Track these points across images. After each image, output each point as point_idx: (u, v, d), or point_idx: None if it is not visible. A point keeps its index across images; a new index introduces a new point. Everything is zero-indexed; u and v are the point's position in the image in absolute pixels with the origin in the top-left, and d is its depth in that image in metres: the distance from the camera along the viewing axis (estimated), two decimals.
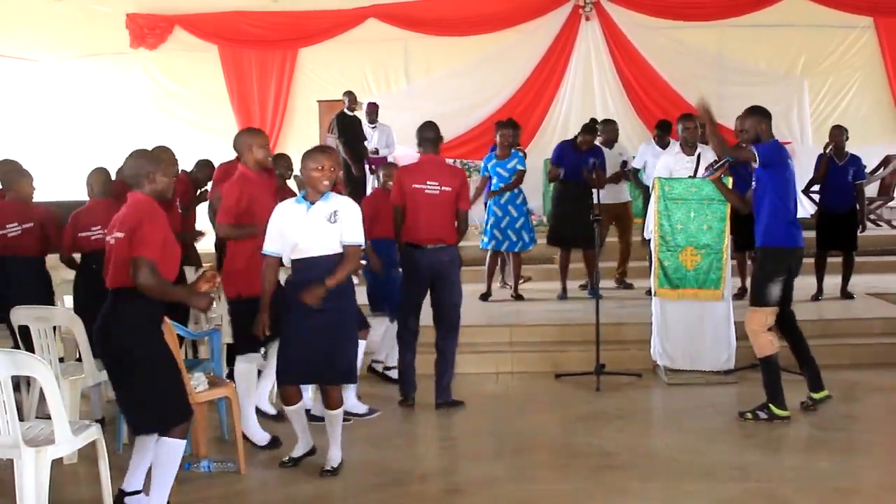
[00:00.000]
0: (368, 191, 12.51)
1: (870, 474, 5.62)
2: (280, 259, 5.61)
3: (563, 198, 10.00)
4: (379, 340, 7.82)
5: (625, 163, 10.43)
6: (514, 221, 9.81)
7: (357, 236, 5.52)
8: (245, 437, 6.06)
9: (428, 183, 6.97)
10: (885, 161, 14.16)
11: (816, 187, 10.25)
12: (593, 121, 10.49)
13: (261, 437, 6.22)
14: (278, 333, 5.65)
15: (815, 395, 6.84)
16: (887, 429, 6.78)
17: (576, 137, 10.04)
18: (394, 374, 7.64)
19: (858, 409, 7.00)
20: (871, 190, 13.28)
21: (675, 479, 5.51)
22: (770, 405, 6.63)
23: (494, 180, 9.83)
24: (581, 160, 9.52)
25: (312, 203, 5.50)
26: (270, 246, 5.58)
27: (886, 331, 8.55)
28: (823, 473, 5.62)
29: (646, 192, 9.70)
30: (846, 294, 9.68)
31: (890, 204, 14.40)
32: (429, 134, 7.19)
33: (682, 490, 5.34)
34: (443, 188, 6.97)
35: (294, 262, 5.57)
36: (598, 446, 6.16)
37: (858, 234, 9.76)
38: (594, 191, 8.31)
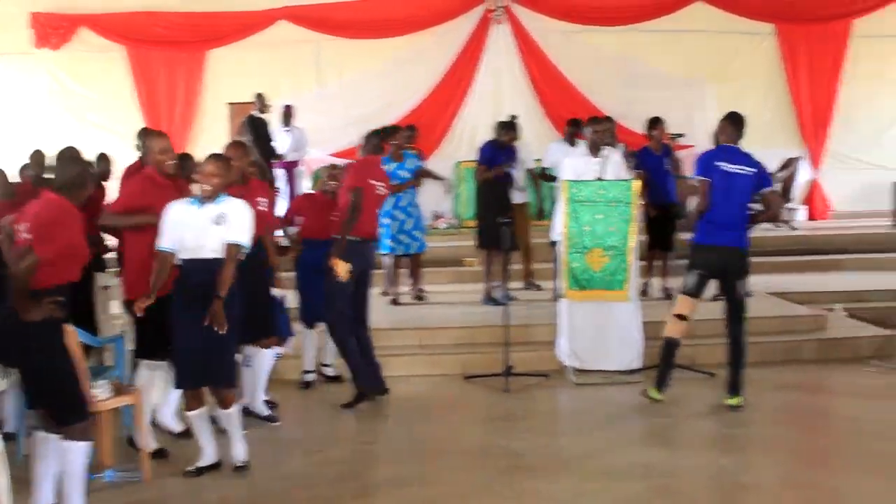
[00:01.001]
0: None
1: (770, 470, 5.76)
2: (173, 255, 5.61)
3: (492, 199, 9.98)
4: (324, 348, 7.91)
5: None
6: (403, 224, 9.83)
7: (239, 236, 5.59)
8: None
9: (378, 182, 7.31)
10: (785, 164, 14.56)
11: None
12: (512, 117, 10.54)
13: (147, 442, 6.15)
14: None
15: (728, 401, 6.99)
16: (786, 425, 6.98)
17: (499, 136, 10.06)
18: (329, 371, 7.95)
19: (758, 406, 7.15)
20: None
21: (581, 479, 5.60)
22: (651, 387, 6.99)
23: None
24: (503, 159, 9.70)
25: (202, 204, 5.57)
26: (165, 242, 5.59)
27: (785, 329, 8.79)
28: (725, 470, 5.77)
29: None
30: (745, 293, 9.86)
31: (789, 205, 14.80)
32: (375, 139, 7.55)
33: (588, 489, 5.42)
34: (385, 190, 7.44)
35: (182, 262, 5.59)
36: (507, 447, 6.23)
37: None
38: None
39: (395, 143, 9.61)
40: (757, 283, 9.72)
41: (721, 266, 6.97)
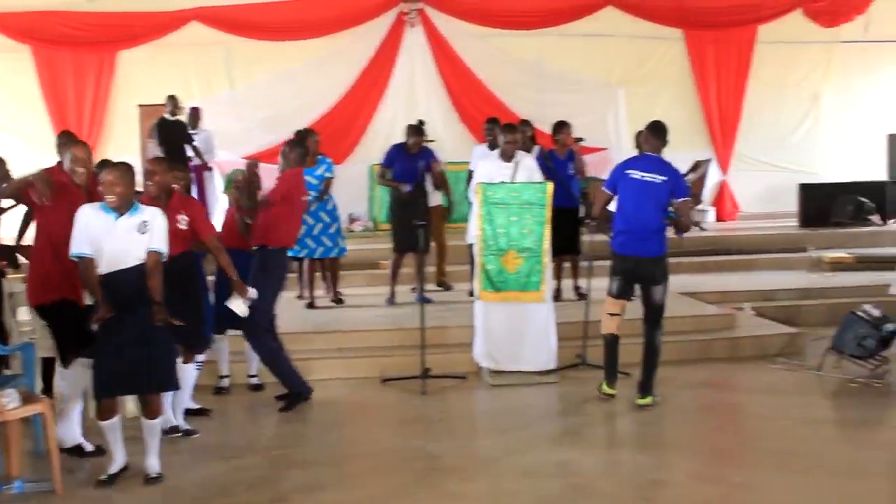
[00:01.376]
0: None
1: (681, 466, 5.88)
2: (93, 259, 5.52)
3: (399, 203, 10.00)
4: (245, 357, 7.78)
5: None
6: (327, 227, 9.79)
7: (162, 244, 5.62)
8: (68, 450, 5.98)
9: (302, 194, 7.59)
10: (695, 166, 14.84)
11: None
12: (420, 122, 10.57)
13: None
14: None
15: (639, 401, 7.13)
16: (697, 422, 7.12)
17: (406, 141, 10.08)
18: (253, 381, 7.84)
19: (671, 404, 7.29)
20: None
21: (497, 479, 5.64)
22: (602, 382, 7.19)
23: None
24: (412, 163, 9.70)
25: (120, 214, 5.52)
26: (81, 248, 5.50)
27: (696, 328, 8.97)
28: (639, 467, 5.87)
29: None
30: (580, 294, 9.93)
31: (699, 207, 15.11)
32: (300, 149, 7.66)
33: (505, 489, 5.46)
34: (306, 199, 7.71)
35: (103, 277, 5.50)
36: (424, 449, 6.24)
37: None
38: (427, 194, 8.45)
39: (310, 147, 9.62)
40: (670, 283, 9.90)
41: (637, 273, 7.12)
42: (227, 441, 6.65)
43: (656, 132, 7.18)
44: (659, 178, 6.99)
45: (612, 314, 7.25)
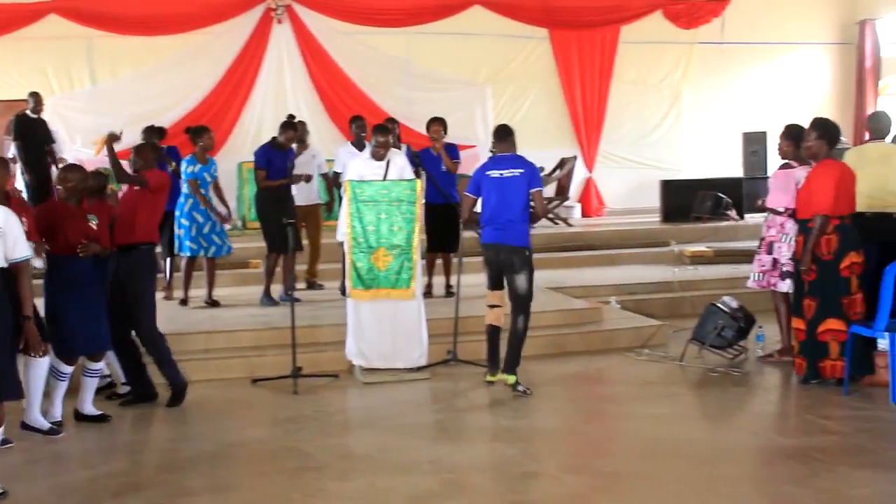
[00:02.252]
0: None
1: (552, 458, 5.99)
2: None
3: (272, 201, 9.87)
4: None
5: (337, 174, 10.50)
6: (215, 225, 9.66)
7: (24, 250, 5.50)
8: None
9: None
10: (561, 163, 15.15)
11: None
12: (291, 116, 10.47)
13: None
14: None
15: (507, 378, 7.46)
16: (567, 414, 7.26)
17: (274, 138, 9.97)
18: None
19: (540, 397, 7.42)
20: (548, 190, 14.14)
21: (372, 476, 5.63)
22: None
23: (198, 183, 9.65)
24: (285, 160, 9.71)
25: None
26: None
27: (563, 322, 9.14)
28: (510, 460, 5.94)
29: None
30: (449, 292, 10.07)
31: (566, 203, 15.42)
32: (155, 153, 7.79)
33: (379, 487, 5.46)
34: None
35: None
36: (296, 449, 6.19)
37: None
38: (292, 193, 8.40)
39: (202, 144, 9.52)
40: (537, 278, 10.04)
41: (499, 261, 7.44)
42: (86, 447, 6.45)
43: (501, 135, 7.67)
44: (517, 172, 7.40)
45: (491, 305, 7.60)
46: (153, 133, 10.49)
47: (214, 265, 10.00)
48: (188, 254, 9.67)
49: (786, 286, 7.90)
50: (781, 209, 7.90)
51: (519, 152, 9.41)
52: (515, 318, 7.45)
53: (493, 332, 7.56)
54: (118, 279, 7.06)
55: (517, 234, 7.39)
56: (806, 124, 7.62)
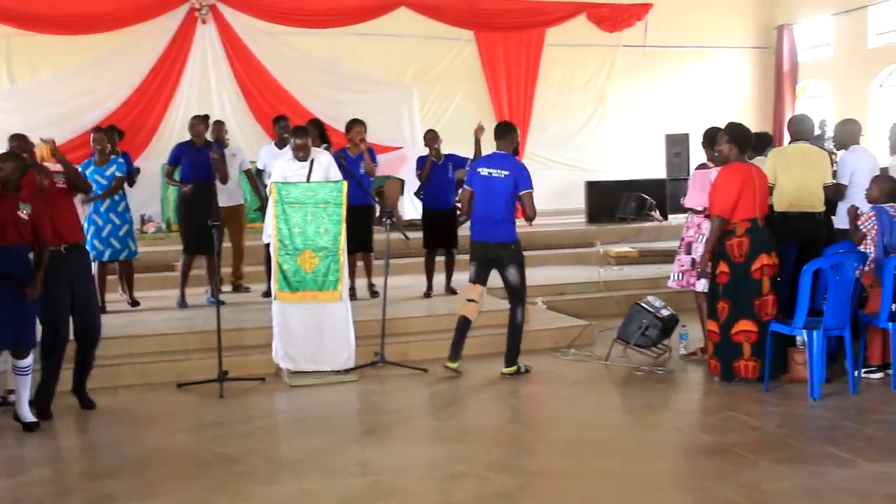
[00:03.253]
0: None
1: (479, 457, 5.99)
2: None
3: (187, 203, 9.77)
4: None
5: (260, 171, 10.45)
6: (117, 229, 9.49)
7: None
8: None
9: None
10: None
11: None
12: (206, 116, 10.37)
13: None
14: None
15: (505, 370, 7.98)
16: (495, 414, 7.29)
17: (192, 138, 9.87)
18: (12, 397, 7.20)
19: (469, 397, 7.47)
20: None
21: (299, 480, 5.59)
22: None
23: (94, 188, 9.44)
24: (201, 158, 9.58)
25: None
26: None
27: (493, 323, 9.15)
28: (438, 460, 5.96)
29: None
30: (450, 290, 10.32)
31: None
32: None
33: (307, 490, 5.43)
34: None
35: None
36: (223, 454, 6.12)
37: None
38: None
39: (97, 144, 9.39)
40: (464, 279, 10.10)
41: (489, 257, 7.84)
42: (16, 454, 6.32)
43: (499, 133, 8.04)
44: (503, 174, 7.73)
45: (468, 300, 8.03)
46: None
47: (130, 268, 9.84)
48: (94, 258, 9.50)
49: (701, 286, 8.06)
50: (700, 208, 8.05)
51: (444, 152, 9.61)
52: (514, 311, 7.94)
53: (464, 324, 7.96)
54: (70, 278, 6.93)
55: (503, 232, 7.82)
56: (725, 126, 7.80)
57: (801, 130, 8.65)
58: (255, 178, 10.70)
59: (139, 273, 10.36)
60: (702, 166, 8.26)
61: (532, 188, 7.86)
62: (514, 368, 7.98)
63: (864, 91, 17.49)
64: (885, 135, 9.61)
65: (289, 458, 6.10)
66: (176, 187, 10.16)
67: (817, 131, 14.33)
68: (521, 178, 7.79)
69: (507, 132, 7.98)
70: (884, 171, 8.59)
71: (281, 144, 10.19)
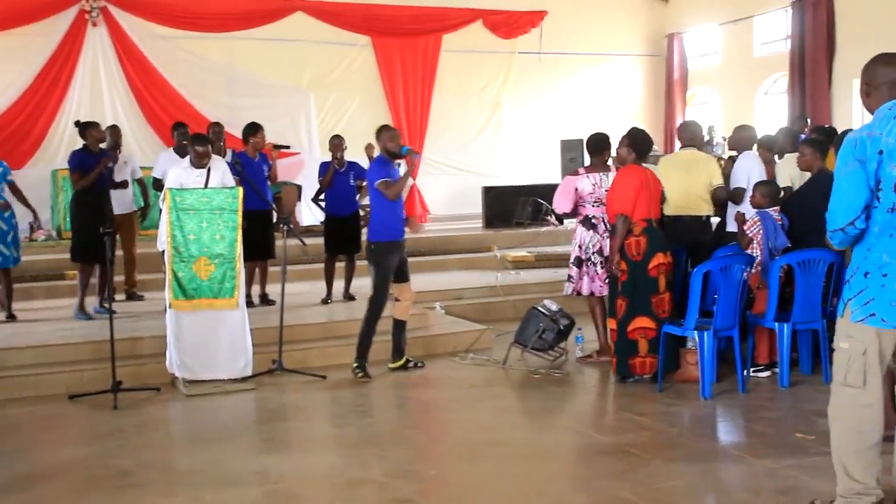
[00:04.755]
0: None
1: (378, 464, 5.99)
2: None
3: (88, 208, 9.52)
4: None
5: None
6: (4, 235, 9.24)
7: None
8: None
9: None
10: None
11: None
12: (88, 122, 10.15)
13: None
14: None
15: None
16: (393, 420, 7.30)
17: (86, 143, 9.65)
18: None
19: (368, 403, 7.46)
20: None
21: (196, 491, 5.51)
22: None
23: None
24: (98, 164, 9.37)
25: None
26: None
27: (389, 328, 9.16)
28: (337, 467, 5.94)
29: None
30: (349, 296, 10.30)
31: None
32: None
33: (204, 501, 5.35)
34: None
35: None
36: (117, 466, 5.99)
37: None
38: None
39: None
40: (364, 286, 10.09)
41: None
42: None
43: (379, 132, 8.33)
44: None
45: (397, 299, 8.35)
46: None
47: (8, 277, 9.55)
48: None
49: (588, 288, 8.30)
50: (560, 212, 8.33)
51: (348, 159, 9.66)
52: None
53: (394, 324, 8.27)
54: None
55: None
56: (620, 132, 8.00)
57: (691, 136, 8.91)
58: (146, 186, 10.54)
59: (28, 283, 10.09)
60: (573, 173, 8.49)
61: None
62: (401, 361, 8.31)
63: (751, 98, 18.05)
64: None
65: (185, 468, 6.00)
66: (75, 190, 9.80)
67: (706, 137, 14.74)
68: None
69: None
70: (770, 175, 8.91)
71: (180, 151, 10.02)
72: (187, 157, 8.46)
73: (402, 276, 8.22)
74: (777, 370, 7.55)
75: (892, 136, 4.20)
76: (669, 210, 8.42)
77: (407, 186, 8.54)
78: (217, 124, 10.45)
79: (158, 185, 10.02)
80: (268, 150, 10.11)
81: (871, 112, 4.42)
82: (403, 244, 8.19)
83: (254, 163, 9.69)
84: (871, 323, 4.30)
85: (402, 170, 8.38)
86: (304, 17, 16.23)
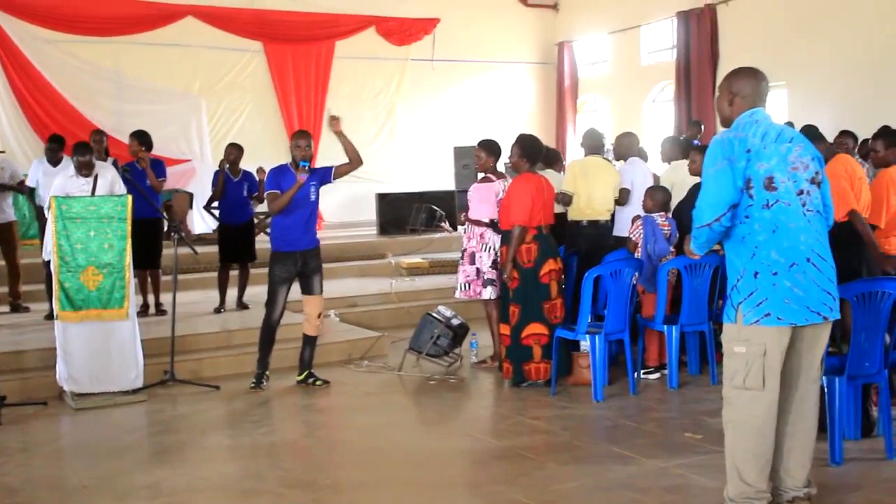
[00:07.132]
0: None
1: (273, 473, 5.93)
2: None
3: None
4: None
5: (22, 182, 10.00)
6: None
7: None
8: None
9: None
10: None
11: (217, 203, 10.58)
12: None
13: None
14: None
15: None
16: (285, 429, 7.20)
17: None
18: None
19: (262, 413, 7.39)
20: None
21: None
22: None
23: None
24: None
25: None
26: None
27: (286, 337, 9.05)
28: (231, 478, 5.87)
29: (40, 212, 9.39)
30: (242, 305, 10.21)
31: None
32: None
33: None
34: None
35: None
36: (2, 485, 5.79)
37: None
38: None
39: None
40: (257, 294, 10.00)
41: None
42: None
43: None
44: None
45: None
46: None
47: None
48: None
49: (488, 293, 8.29)
50: (487, 220, 8.27)
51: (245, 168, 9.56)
52: None
53: (302, 337, 8.17)
54: None
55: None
56: (512, 139, 8.08)
57: (594, 144, 9.16)
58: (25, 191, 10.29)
59: None
60: (485, 179, 8.43)
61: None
62: (303, 375, 8.14)
63: (639, 106, 18.46)
64: (657, 147, 10.20)
65: (74, 485, 5.85)
66: None
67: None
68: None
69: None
70: (657, 179, 9.17)
71: (52, 161, 9.77)
72: (72, 167, 8.28)
73: (304, 288, 8.10)
74: (666, 372, 7.74)
75: (756, 136, 4.42)
76: (572, 215, 8.61)
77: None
78: (98, 132, 10.23)
79: (32, 194, 9.83)
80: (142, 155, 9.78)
81: (730, 120, 4.62)
82: (306, 255, 8.06)
83: (140, 171, 9.49)
84: (767, 323, 4.39)
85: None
86: (194, 22, 16.01)
